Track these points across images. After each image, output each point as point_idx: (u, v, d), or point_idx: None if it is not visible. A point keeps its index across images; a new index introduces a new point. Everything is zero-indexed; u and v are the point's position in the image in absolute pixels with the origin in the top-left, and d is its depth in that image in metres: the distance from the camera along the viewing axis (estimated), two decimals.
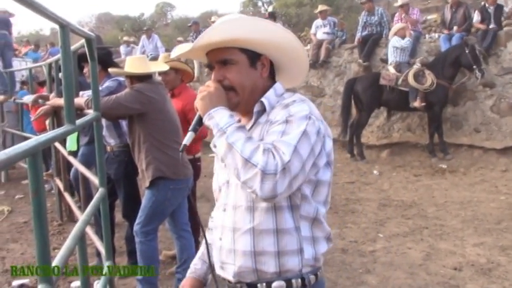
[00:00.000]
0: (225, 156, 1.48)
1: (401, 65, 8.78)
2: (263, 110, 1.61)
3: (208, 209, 4.54)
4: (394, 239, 4.98)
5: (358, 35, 10.11)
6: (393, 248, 4.73)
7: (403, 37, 8.79)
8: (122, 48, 14.15)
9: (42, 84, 7.53)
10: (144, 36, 13.65)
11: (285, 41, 1.61)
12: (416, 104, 8.34)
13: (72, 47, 3.00)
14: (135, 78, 3.61)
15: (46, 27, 34.11)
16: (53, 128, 4.78)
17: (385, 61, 9.38)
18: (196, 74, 8.44)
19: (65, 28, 2.25)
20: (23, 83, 8.36)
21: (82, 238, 2.36)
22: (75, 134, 4.59)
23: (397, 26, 9.16)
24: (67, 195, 5.10)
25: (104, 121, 3.77)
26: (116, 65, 4.11)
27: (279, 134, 1.46)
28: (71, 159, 4.47)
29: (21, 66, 9.03)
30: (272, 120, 1.54)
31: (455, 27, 9.07)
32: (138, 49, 13.37)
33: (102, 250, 3.11)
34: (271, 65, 1.67)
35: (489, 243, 4.76)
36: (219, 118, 1.52)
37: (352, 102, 9.12)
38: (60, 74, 3.57)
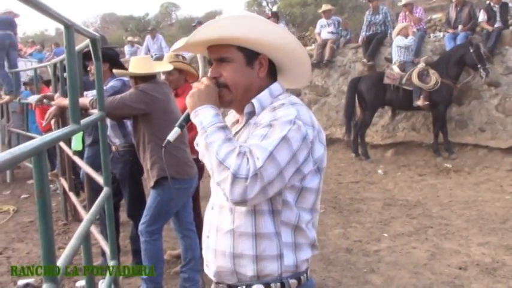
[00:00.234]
0: (203, 156, 1.49)
1: (406, 64, 8.77)
2: (254, 111, 1.59)
3: None
4: (398, 239, 4.98)
5: (362, 34, 10.10)
6: (398, 248, 4.72)
7: (406, 36, 8.78)
8: (126, 48, 14.19)
9: (47, 83, 7.55)
10: (148, 36, 13.67)
11: (285, 42, 1.58)
12: (420, 102, 8.32)
13: (77, 47, 3.01)
14: (139, 78, 3.62)
15: (51, 28, 34.25)
16: (58, 128, 4.80)
17: (389, 60, 9.36)
18: (200, 74, 8.45)
19: (70, 28, 2.26)
20: (25, 84, 8.38)
21: (87, 237, 2.37)
22: (80, 134, 4.60)
23: (399, 25, 9.16)
24: (72, 195, 5.12)
25: (108, 121, 3.78)
26: (123, 66, 4.12)
27: (260, 138, 1.44)
28: (75, 159, 4.48)
29: (26, 67, 9.06)
30: (258, 123, 1.53)
31: (460, 26, 9.03)
32: (143, 49, 13.39)
33: (107, 249, 3.12)
34: (272, 65, 1.65)
35: (494, 242, 4.75)
36: (203, 116, 1.52)
37: (357, 101, 9.12)
38: (65, 74, 3.58)
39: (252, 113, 1.59)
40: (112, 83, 4.09)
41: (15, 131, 8.51)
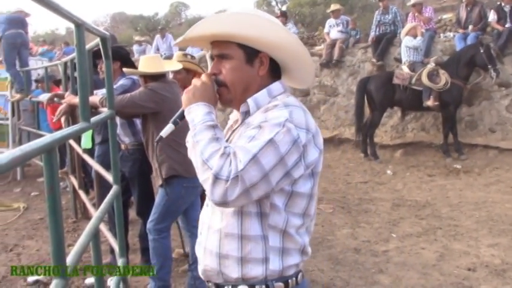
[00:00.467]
0: (190, 153, 1.48)
1: (415, 64, 8.72)
2: (249, 111, 1.57)
3: None
4: (407, 239, 4.96)
5: (372, 34, 10.07)
6: (406, 248, 4.70)
7: (414, 36, 8.74)
8: (135, 48, 14.26)
9: (57, 83, 7.61)
10: (158, 36, 13.73)
11: (285, 41, 1.54)
12: (430, 103, 8.28)
13: (87, 46, 3.03)
14: (149, 77, 3.64)
15: (61, 27, 34.45)
16: (68, 126, 4.83)
17: (399, 60, 9.33)
18: None
19: (80, 27, 2.28)
20: (37, 81, 8.44)
21: (96, 235, 2.38)
22: (89, 132, 4.63)
23: (408, 25, 9.11)
24: (82, 193, 5.15)
25: (118, 119, 3.81)
26: (134, 65, 4.14)
27: (247, 139, 1.41)
28: (85, 157, 4.51)
29: (37, 66, 9.13)
30: (250, 123, 1.50)
31: (470, 27, 8.98)
32: (152, 48, 13.45)
33: (116, 247, 3.14)
34: (275, 64, 1.61)
35: (504, 244, 4.71)
36: (195, 114, 1.51)
37: (366, 101, 9.09)
38: (75, 73, 3.61)
39: (248, 113, 1.57)
40: (122, 81, 4.11)
41: (26, 129, 8.57)
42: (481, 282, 3.93)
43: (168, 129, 1.60)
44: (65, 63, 5.74)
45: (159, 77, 3.65)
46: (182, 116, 1.58)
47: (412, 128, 9.56)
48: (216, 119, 1.53)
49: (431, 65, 8.47)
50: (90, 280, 3.89)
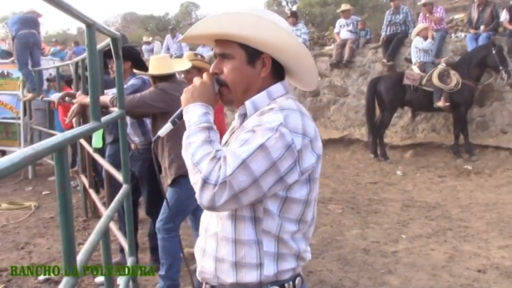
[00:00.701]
0: (183, 154, 1.47)
1: (426, 64, 8.68)
2: (246, 113, 1.55)
3: None
4: (417, 240, 4.94)
5: (382, 34, 10.04)
6: (416, 249, 4.68)
7: (425, 38, 8.69)
8: (144, 47, 14.34)
9: (68, 82, 7.67)
10: (168, 36, 13.78)
11: (286, 42, 1.50)
12: (440, 103, 8.22)
13: (98, 46, 3.06)
14: (157, 77, 3.66)
15: (73, 27, 34.62)
16: (79, 125, 4.87)
17: (409, 61, 9.27)
18: None
19: (91, 27, 2.30)
20: (48, 80, 8.50)
21: (106, 233, 2.40)
22: (100, 131, 4.66)
23: (420, 26, 9.05)
24: (92, 192, 5.19)
25: (128, 119, 3.83)
26: (145, 65, 4.16)
27: (240, 143, 1.39)
28: (96, 156, 4.55)
29: (48, 65, 9.19)
30: (245, 126, 1.48)
31: (482, 27, 8.90)
32: (163, 48, 13.50)
33: (126, 246, 3.16)
34: (279, 66, 1.58)
35: None
36: (191, 114, 1.51)
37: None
38: (87, 73, 3.64)
39: (245, 115, 1.55)
40: (132, 81, 4.14)
41: (38, 129, 8.64)
42: (491, 284, 3.91)
43: (166, 128, 1.59)
44: (76, 63, 5.79)
45: (169, 76, 3.67)
46: (181, 116, 1.57)
47: (422, 129, 9.51)
48: (212, 120, 1.52)
49: (442, 66, 8.41)
50: (100, 278, 3.92)
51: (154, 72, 3.67)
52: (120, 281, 3.32)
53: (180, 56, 7.32)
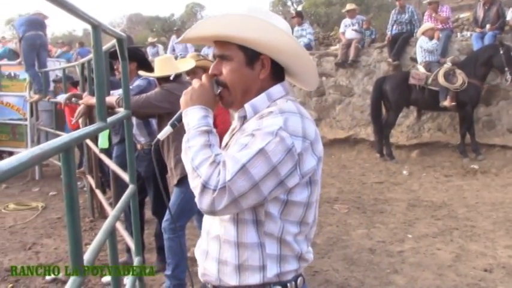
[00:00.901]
0: (183, 158, 1.46)
1: (432, 64, 8.65)
2: (246, 116, 1.54)
3: None
4: (423, 240, 4.93)
5: (388, 34, 10.02)
6: (422, 249, 4.67)
7: (431, 38, 8.66)
8: (149, 50, 14.37)
9: (74, 84, 7.70)
10: (174, 37, 13.83)
11: (285, 43, 1.48)
12: (447, 103, 8.20)
13: (104, 47, 3.07)
14: (162, 78, 3.68)
15: (79, 28, 34.77)
16: (86, 126, 4.89)
17: (415, 60, 9.25)
18: None
19: (97, 28, 2.31)
20: (55, 81, 8.54)
21: (112, 233, 2.41)
22: (106, 132, 4.68)
23: (425, 25, 9.02)
24: (98, 192, 5.21)
25: (134, 119, 3.85)
26: (150, 66, 4.18)
27: (239, 147, 1.38)
28: (102, 156, 4.57)
29: (55, 67, 9.23)
30: (244, 130, 1.47)
31: (488, 26, 8.86)
32: (168, 49, 13.54)
33: (132, 246, 3.17)
34: (278, 67, 1.56)
35: None
36: (190, 117, 1.50)
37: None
38: (93, 74, 3.66)
39: (245, 118, 1.54)
40: (138, 82, 4.16)
41: (44, 130, 8.69)
42: (498, 283, 3.90)
43: (165, 131, 1.58)
44: (82, 64, 5.82)
45: (175, 77, 3.69)
46: (180, 119, 1.56)
47: (428, 128, 9.49)
48: (211, 123, 1.50)
49: (447, 65, 8.39)
50: (107, 278, 3.93)
51: (158, 74, 3.69)
52: (127, 280, 3.34)
53: (186, 57, 7.34)
